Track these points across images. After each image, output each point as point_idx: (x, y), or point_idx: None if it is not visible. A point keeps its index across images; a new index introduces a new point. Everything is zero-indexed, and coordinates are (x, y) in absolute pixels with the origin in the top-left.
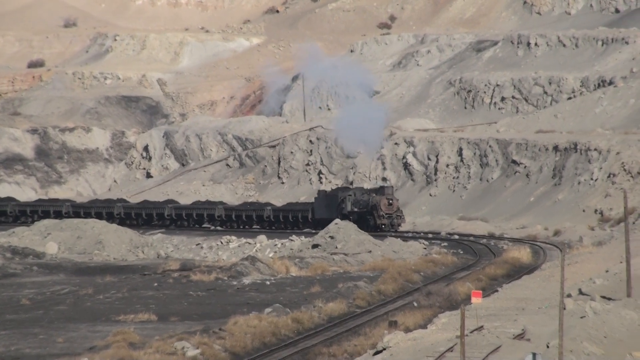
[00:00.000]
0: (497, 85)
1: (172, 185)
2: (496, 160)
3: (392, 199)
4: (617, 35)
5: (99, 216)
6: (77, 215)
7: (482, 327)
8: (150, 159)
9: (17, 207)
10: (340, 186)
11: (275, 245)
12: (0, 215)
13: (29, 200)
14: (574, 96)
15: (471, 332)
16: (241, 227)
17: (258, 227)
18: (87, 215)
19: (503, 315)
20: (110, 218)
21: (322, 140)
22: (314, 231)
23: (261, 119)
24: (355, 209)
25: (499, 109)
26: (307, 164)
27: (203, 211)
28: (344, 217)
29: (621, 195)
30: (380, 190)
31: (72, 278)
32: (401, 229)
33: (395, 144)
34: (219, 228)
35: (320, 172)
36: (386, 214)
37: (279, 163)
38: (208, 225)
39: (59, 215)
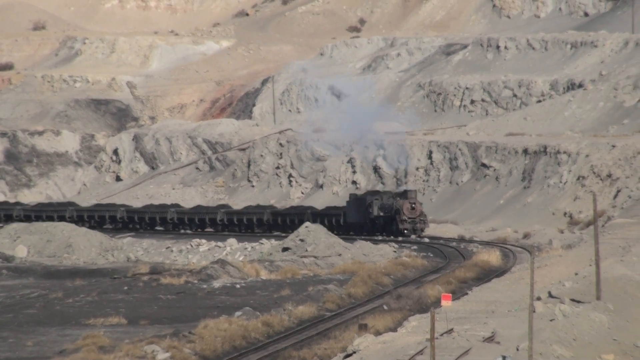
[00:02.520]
0: (467, 88)
1: (142, 189)
2: (466, 163)
3: (415, 203)
4: (586, 39)
5: (152, 221)
6: (131, 220)
7: (452, 330)
8: (120, 162)
9: (75, 212)
10: (370, 189)
11: (246, 248)
12: (60, 220)
13: (87, 205)
14: (544, 99)
15: (441, 335)
16: (288, 230)
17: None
18: (141, 220)
19: (473, 318)
20: (164, 223)
21: (292, 143)
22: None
23: (231, 122)
24: (382, 214)
25: (468, 112)
26: (277, 167)
27: (253, 216)
28: (371, 221)
29: (590, 198)
30: (403, 194)
31: (41, 281)
32: (424, 233)
33: (365, 147)
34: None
35: (290, 176)
36: (409, 218)
37: (248, 166)
38: (258, 230)
39: (114, 220)
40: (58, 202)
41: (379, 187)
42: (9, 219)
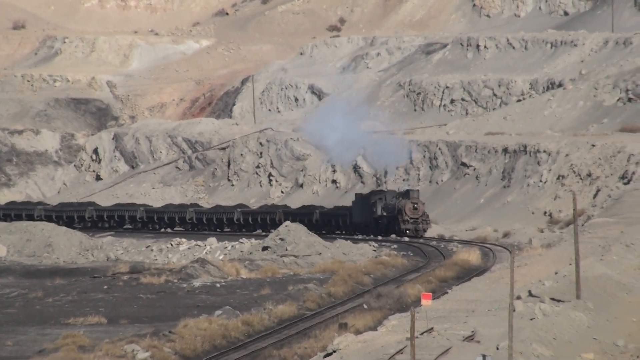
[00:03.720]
0: (447, 87)
1: (122, 188)
2: (446, 163)
3: (417, 203)
4: (566, 38)
5: (172, 221)
6: (151, 220)
7: (432, 329)
8: (99, 161)
9: (95, 212)
10: (375, 189)
11: (226, 247)
12: (80, 222)
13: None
14: (523, 98)
15: (421, 334)
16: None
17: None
18: (161, 220)
19: (453, 317)
20: (183, 223)
21: (272, 142)
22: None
23: (211, 121)
24: (385, 214)
25: (448, 111)
26: (257, 167)
27: (266, 215)
28: (375, 221)
29: (570, 197)
30: (405, 194)
31: (21, 281)
32: (427, 234)
33: (345, 146)
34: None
35: (270, 175)
36: (411, 218)
37: (228, 165)
38: (272, 229)
39: (133, 220)
40: (79, 202)
41: (359, 187)
42: (30, 219)
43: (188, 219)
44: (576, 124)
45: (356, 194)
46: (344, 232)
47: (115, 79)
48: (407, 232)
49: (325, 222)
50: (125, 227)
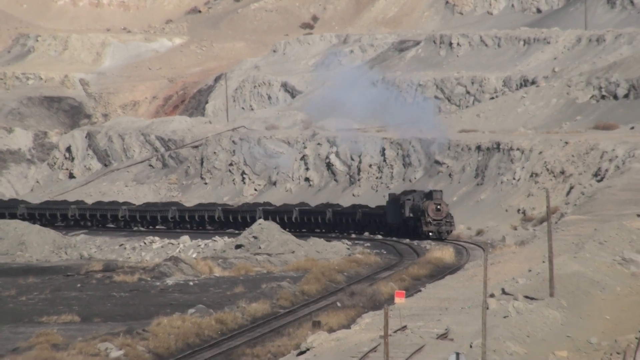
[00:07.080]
0: (420, 85)
1: (95, 186)
2: (419, 160)
3: (440, 204)
4: (539, 35)
5: (244, 220)
6: (227, 220)
7: (405, 327)
8: (72, 159)
9: (177, 212)
10: (407, 189)
11: (199, 245)
12: (163, 222)
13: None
14: (497, 96)
15: (395, 332)
16: (345, 231)
17: (352, 231)
18: (235, 219)
19: (426, 315)
20: (253, 221)
21: (245, 140)
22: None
23: (184, 119)
24: (411, 215)
25: (421, 108)
26: (230, 164)
27: (315, 215)
28: (404, 222)
29: (543, 195)
30: (429, 195)
31: None
32: (450, 237)
33: (318, 144)
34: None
35: (243, 173)
36: (434, 220)
37: (201, 163)
38: (318, 229)
39: (212, 221)
40: (162, 202)
41: (332, 184)
42: (114, 219)
43: (257, 217)
44: (549, 122)
45: (389, 194)
46: (380, 232)
47: (88, 77)
48: (430, 234)
49: (366, 222)
50: (207, 227)
